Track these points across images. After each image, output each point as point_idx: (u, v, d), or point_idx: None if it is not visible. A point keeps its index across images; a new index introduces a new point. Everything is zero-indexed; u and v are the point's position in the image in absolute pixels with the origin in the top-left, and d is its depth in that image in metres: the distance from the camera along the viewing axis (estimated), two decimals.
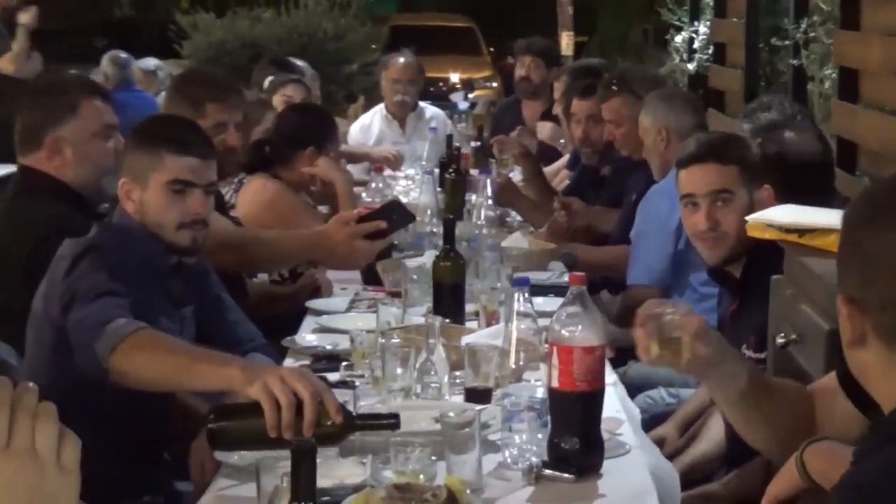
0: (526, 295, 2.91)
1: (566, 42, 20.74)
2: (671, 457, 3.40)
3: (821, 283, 2.77)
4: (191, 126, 3.38)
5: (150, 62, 10.84)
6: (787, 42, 7.51)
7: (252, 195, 4.84)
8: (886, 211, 1.80)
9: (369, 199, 4.86)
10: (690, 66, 10.21)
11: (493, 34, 24.04)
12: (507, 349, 2.87)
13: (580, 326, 2.65)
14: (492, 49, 22.46)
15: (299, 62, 7.39)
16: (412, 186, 6.48)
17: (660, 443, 3.52)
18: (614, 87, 5.44)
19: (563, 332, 2.66)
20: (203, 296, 3.41)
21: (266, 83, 6.42)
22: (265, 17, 13.80)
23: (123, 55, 10.17)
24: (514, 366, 2.85)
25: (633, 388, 3.93)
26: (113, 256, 3.07)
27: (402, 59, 8.07)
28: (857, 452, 1.78)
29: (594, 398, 2.70)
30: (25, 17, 8.42)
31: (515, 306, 2.89)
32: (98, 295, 2.90)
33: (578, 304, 2.69)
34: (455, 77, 21.09)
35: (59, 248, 3.12)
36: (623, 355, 4.07)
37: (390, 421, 2.65)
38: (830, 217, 2.89)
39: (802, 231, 2.91)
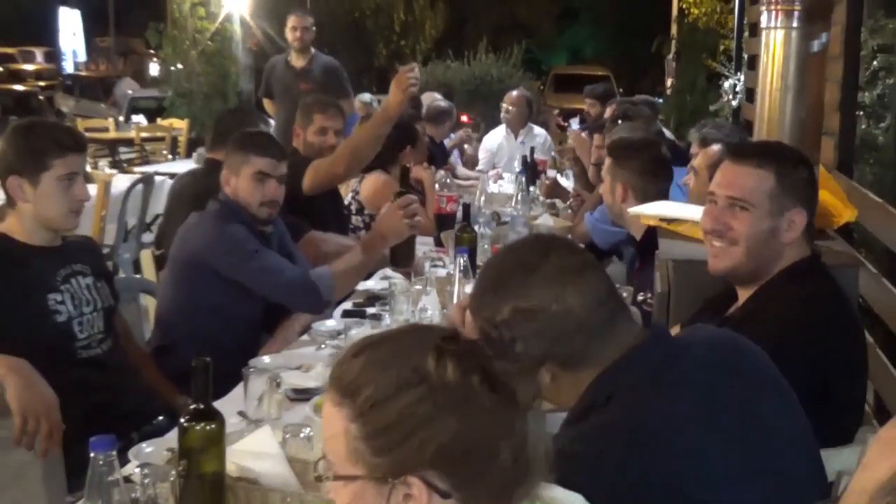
0: (464, 259, 2.76)
1: (670, 85, 20.21)
2: None
3: (670, 255, 2.54)
4: (269, 137, 3.39)
5: (366, 96, 10.81)
6: None
7: (370, 184, 4.78)
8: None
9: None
10: (734, 104, 9.77)
11: (623, 80, 23.55)
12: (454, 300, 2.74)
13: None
14: (621, 90, 21.87)
15: (438, 97, 7.24)
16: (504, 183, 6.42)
17: None
18: (619, 122, 5.18)
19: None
20: (280, 249, 3.39)
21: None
22: (453, 66, 13.76)
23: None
24: None
25: None
26: (236, 224, 3.14)
27: (514, 93, 7.88)
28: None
29: None
30: None
31: (457, 269, 2.75)
32: (268, 266, 3.08)
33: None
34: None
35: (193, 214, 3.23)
36: None
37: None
38: (684, 211, 2.67)
39: (668, 220, 2.69)
